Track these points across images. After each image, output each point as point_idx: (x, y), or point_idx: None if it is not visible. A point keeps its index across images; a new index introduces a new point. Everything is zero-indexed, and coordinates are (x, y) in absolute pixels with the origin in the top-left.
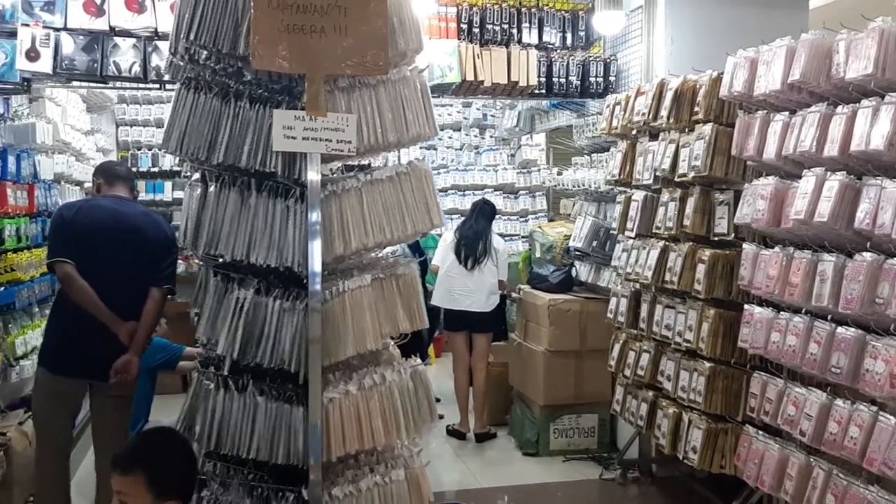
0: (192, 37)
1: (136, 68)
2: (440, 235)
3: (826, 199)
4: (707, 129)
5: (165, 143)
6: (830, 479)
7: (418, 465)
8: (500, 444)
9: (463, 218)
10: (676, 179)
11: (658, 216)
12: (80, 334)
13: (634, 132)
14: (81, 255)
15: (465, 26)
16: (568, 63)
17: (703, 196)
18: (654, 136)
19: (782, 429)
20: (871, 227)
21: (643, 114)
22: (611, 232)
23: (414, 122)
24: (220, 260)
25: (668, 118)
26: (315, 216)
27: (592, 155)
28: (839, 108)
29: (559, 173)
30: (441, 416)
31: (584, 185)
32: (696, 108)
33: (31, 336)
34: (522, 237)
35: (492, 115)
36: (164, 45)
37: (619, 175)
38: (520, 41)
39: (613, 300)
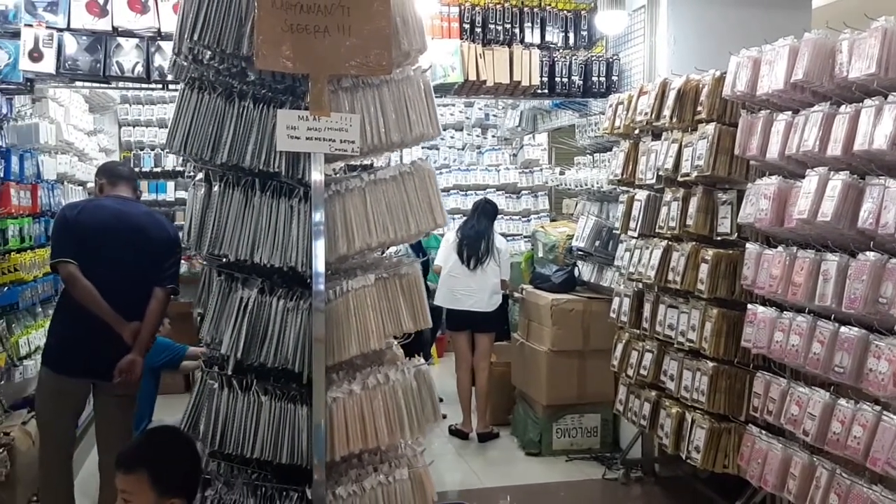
0: (195, 37)
1: (139, 68)
2: (442, 235)
3: (829, 198)
4: (710, 128)
5: (169, 142)
6: (834, 479)
7: (422, 464)
8: (503, 444)
9: (465, 218)
10: (679, 179)
11: (661, 216)
12: (84, 334)
13: (637, 132)
14: (85, 256)
15: (467, 26)
16: (570, 63)
17: (706, 196)
18: (656, 136)
19: (785, 428)
20: (874, 227)
21: (646, 113)
22: (613, 232)
23: (417, 121)
24: (224, 260)
25: (671, 118)
26: (319, 216)
27: (595, 155)
28: (842, 108)
29: (561, 173)
30: (444, 416)
31: (586, 184)
32: (699, 108)
33: (34, 336)
34: (525, 237)
35: (494, 115)
36: (166, 46)
37: (622, 175)
38: (522, 41)
39: (616, 300)
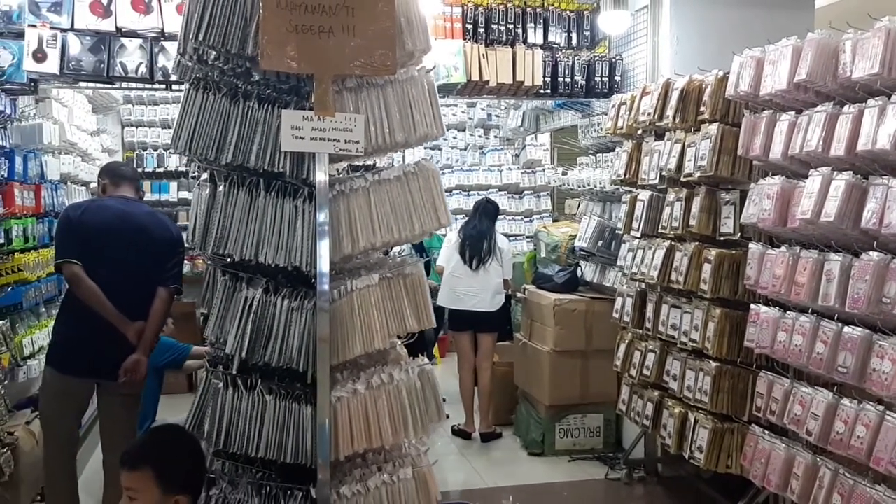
0: (200, 37)
1: (143, 69)
2: (444, 235)
3: (832, 198)
4: (713, 128)
5: (174, 143)
6: (837, 479)
7: (426, 464)
8: (506, 444)
9: (467, 218)
10: (682, 179)
11: (664, 216)
12: (89, 334)
13: (640, 132)
14: (88, 256)
15: (470, 26)
16: (573, 63)
17: (709, 196)
18: (659, 136)
19: (788, 428)
20: (877, 227)
21: (649, 113)
22: (616, 232)
23: (421, 122)
24: (229, 260)
25: (674, 118)
26: (323, 216)
27: (598, 155)
28: (845, 108)
29: (564, 173)
30: (447, 416)
31: (589, 184)
32: (702, 108)
33: (38, 336)
34: (527, 237)
35: (496, 115)
36: (170, 46)
37: (625, 175)
38: (525, 41)
39: (619, 300)
